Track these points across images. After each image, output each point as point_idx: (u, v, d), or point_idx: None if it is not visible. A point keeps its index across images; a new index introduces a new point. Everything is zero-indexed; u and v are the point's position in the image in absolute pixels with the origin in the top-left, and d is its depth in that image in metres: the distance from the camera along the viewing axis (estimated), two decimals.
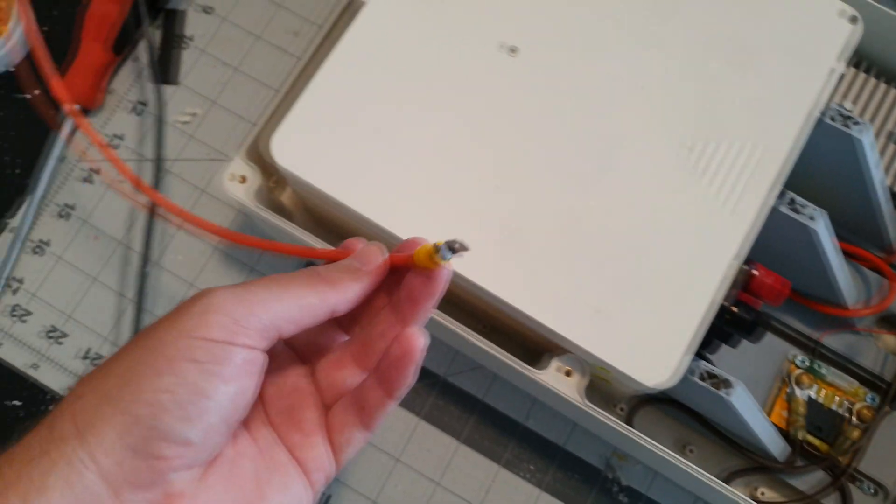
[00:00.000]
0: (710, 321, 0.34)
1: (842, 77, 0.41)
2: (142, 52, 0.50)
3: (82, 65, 0.47)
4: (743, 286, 0.35)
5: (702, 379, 0.34)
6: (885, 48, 0.42)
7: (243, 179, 0.38)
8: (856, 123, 0.36)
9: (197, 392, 0.21)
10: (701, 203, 0.36)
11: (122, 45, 0.49)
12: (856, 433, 0.41)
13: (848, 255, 0.44)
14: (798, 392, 0.42)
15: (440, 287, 0.25)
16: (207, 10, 0.51)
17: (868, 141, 0.37)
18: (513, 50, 0.38)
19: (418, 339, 0.24)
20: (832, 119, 0.37)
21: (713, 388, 0.34)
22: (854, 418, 0.42)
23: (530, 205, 0.36)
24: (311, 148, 0.37)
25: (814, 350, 0.43)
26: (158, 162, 0.47)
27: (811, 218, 0.35)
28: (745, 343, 0.43)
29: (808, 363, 0.42)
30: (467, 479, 0.44)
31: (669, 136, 0.37)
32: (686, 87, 0.37)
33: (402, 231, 0.35)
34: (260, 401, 0.25)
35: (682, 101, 0.37)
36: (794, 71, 0.38)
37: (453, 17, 0.38)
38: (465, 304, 0.40)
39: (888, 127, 0.43)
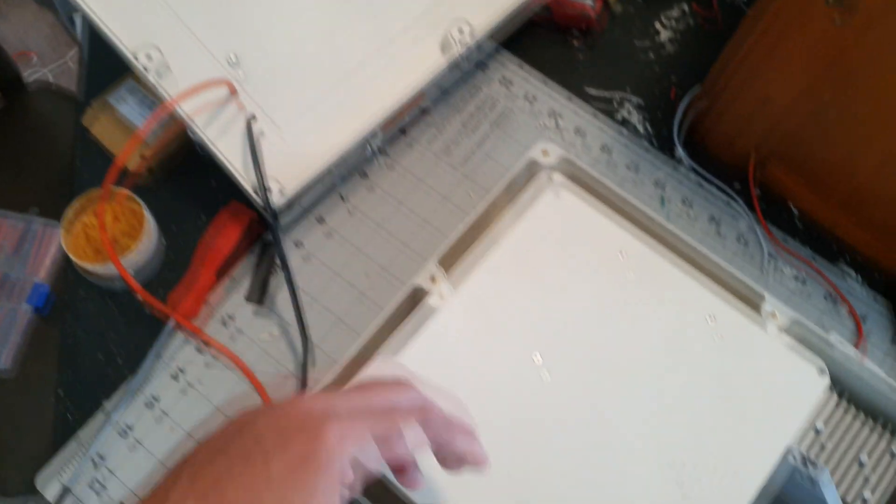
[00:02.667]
0: None
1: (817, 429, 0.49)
2: (240, 274, 0.61)
3: (193, 285, 0.58)
4: None
5: None
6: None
7: None
8: (813, 465, 0.43)
9: None
10: None
11: (225, 270, 0.60)
12: None
13: None
14: None
15: None
16: (298, 245, 0.62)
17: (824, 480, 0.43)
18: (545, 367, 0.47)
19: None
20: (793, 458, 0.44)
21: None
22: None
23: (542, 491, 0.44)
24: None
25: None
26: None
27: None
28: None
29: None
30: None
31: (658, 453, 0.44)
32: (675, 413, 0.45)
33: None
34: None
35: (671, 425, 0.45)
36: (771, 416, 0.45)
37: (500, 333, 0.48)
38: None
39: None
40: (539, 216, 0.52)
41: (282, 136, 0.57)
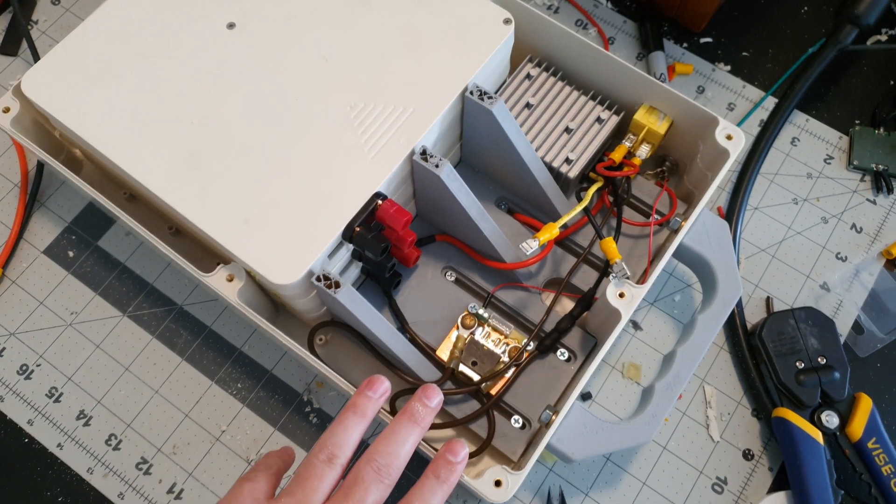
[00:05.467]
0: (339, 239, 0.42)
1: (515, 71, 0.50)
2: None
3: None
4: (372, 214, 0.43)
5: (318, 280, 0.41)
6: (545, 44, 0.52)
7: (7, 110, 0.48)
8: (489, 98, 0.45)
9: None
10: (350, 148, 0.44)
11: None
12: (502, 368, 0.47)
13: (527, 227, 0.52)
14: (461, 331, 0.49)
15: None
16: (55, 2, 0.62)
17: (499, 112, 0.45)
18: (231, 25, 0.47)
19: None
20: (471, 94, 0.45)
21: (326, 289, 0.41)
22: (506, 357, 0.48)
23: (221, 137, 0.44)
24: (56, 86, 0.46)
25: (487, 300, 0.50)
26: None
27: (436, 166, 0.43)
28: (433, 293, 0.50)
29: (477, 310, 0.49)
30: (183, 390, 0.50)
31: (339, 96, 0.45)
32: (361, 61, 0.46)
33: (123, 161, 0.43)
34: None
35: (356, 71, 0.46)
36: (454, 58, 0.47)
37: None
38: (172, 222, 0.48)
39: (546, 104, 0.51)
40: None
41: None
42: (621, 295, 0.44)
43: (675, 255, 0.48)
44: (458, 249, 0.51)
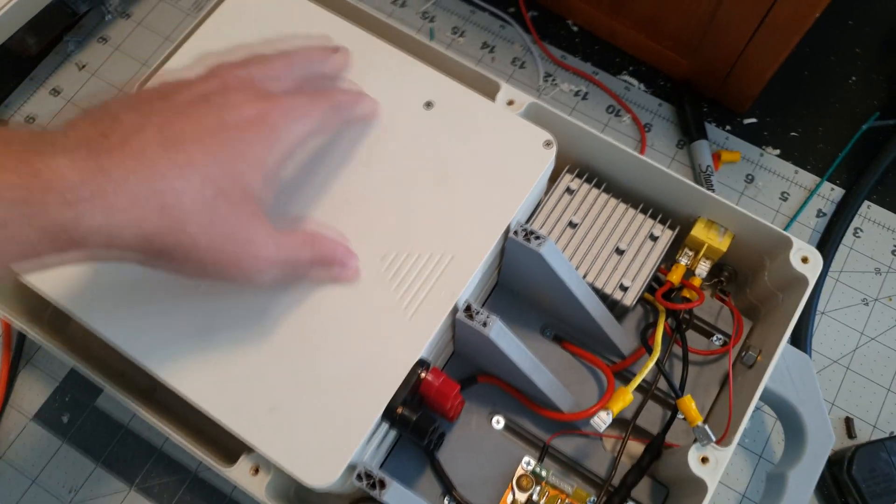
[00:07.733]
0: (378, 423, 0.36)
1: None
2: None
3: None
4: (416, 387, 0.37)
5: (359, 479, 0.35)
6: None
7: None
8: (536, 238, 0.39)
9: None
10: (385, 310, 0.38)
11: None
12: None
13: (579, 359, 0.47)
14: (517, 494, 0.43)
15: None
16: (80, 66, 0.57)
17: (548, 252, 0.39)
18: None
19: None
20: (516, 234, 0.40)
21: (370, 489, 0.35)
22: None
23: (233, 307, 0.38)
24: None
25: (543, 452, 0.44)
26: None
27: (484, 324, 0.38)
28: (481, 445, 0.45)
29: (532, 465, 0.44)
30: None
31: (368, 246, 0.40)
32: (390, 203, 0.41)
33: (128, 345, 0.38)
34: None
35: (385, 215, 0.40)
36: (493, 192, 0.41)
37: None
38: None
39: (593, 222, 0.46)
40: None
41: None
42: (704, 460, 0.38)
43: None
44: (503, 391, 0.46)
